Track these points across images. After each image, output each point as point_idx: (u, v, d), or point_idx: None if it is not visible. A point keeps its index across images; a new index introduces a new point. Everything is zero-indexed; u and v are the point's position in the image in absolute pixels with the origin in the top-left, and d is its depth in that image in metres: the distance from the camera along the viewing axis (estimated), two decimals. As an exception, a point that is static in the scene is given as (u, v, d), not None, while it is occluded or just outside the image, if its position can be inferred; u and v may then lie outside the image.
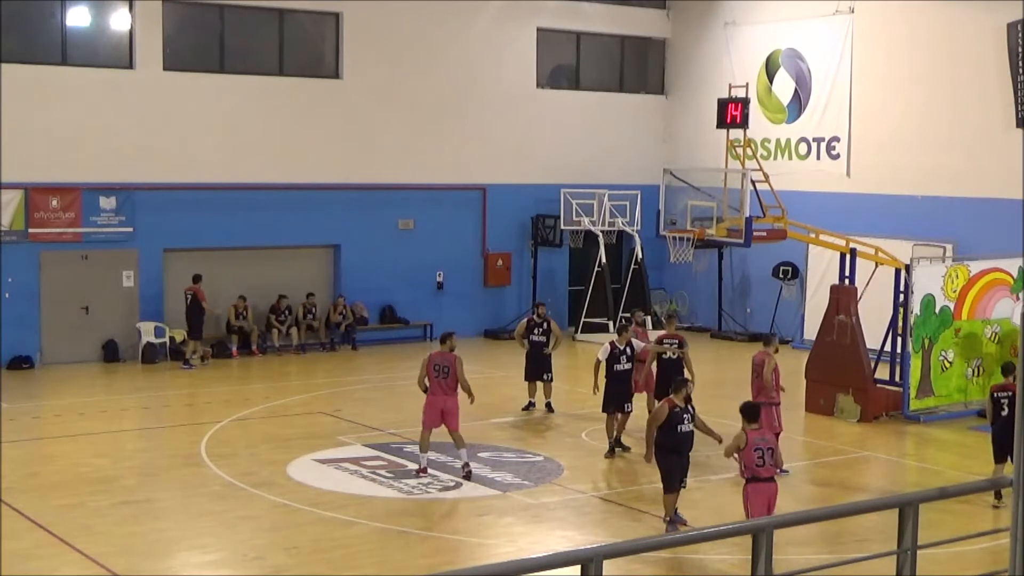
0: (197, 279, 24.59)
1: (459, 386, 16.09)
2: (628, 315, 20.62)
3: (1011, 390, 15.35)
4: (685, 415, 13.96)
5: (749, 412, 12.86)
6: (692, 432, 14.09)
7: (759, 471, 12.42)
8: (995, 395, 15.70)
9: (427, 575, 11.89)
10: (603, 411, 17.66)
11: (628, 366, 17.60)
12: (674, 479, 14.06)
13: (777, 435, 16.48)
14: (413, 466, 16.73)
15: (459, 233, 28.67)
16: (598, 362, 17.71)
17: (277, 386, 22.61)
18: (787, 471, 16.65)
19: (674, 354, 18.21)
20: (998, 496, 15.24)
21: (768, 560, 7.18)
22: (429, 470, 16.44)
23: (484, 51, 28.75)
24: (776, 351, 17.29)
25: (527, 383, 20.49)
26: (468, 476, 16.02)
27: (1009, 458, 15.02)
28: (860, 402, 20.24)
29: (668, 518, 14.04)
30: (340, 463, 16.95)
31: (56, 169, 23.93)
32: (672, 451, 13.95)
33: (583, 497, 15.49)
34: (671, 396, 14.14)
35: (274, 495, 15.30)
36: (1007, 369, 16.44)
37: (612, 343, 17.70)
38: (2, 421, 18.71)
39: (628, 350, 17.62)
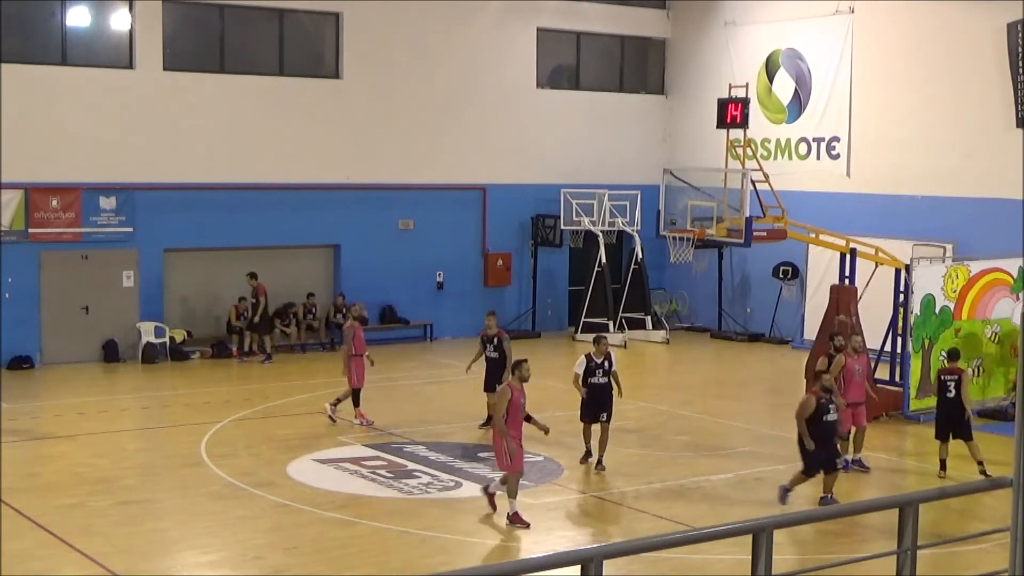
0: (254, 276, 25.33)
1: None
2: (602, 334, 18.46)
3: (957, 374, 16.88)
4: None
5: None
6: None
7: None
8: (942, 378, 16.89)
9: (427, 575, 11.89)
10: (580, 419, 17.22)
11: (604, 380, 16.99)
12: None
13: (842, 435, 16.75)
14: (413, 466, 16.75)
15: (459, 233, 28.67)
16: (576, 376, 17.04)
17: (277, 386, 22.60)
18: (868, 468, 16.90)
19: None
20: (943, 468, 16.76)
21: (768, 560, 7.18)
22: (429, 470, 16.47)
23: (484, 51, 28.76)
24: (856, 351, 17.13)
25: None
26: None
27: (951, 437, 16.66)
28: (860, 402, 20.20)
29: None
30: (340, 463, 16.95)
31: (56, 169, 23.93)
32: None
33: (583, 497, 15.49)
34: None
35: (274, 495, 15.30)
36: (953, 355, 17.36)
37: (588, 355, 17.09)
38: (2, 421, 18.71)
39: (605, 363, 16.97)
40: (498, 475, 14.91)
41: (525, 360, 14.62)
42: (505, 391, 14.26)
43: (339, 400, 19.36)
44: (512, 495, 14.14)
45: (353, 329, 19.58)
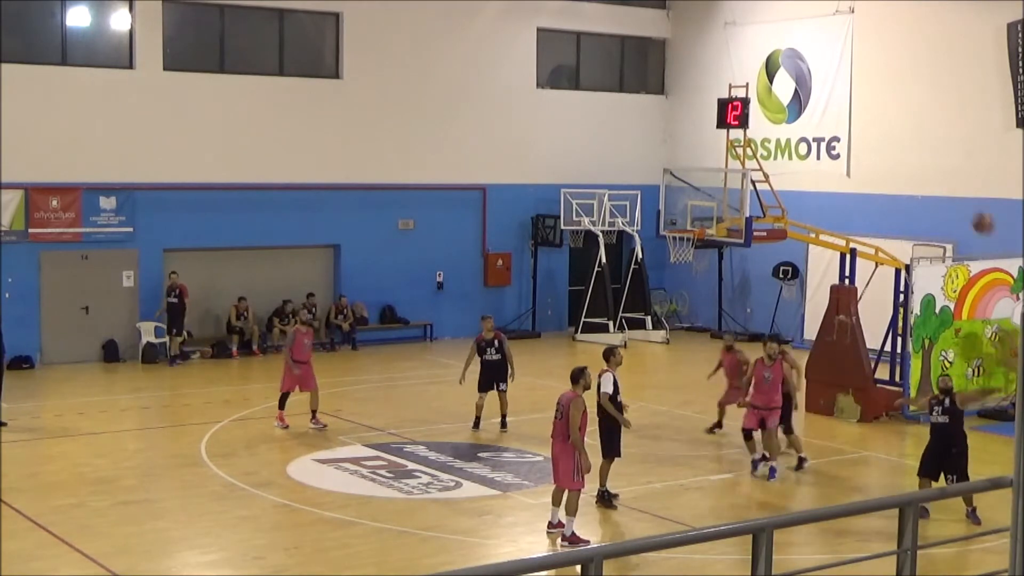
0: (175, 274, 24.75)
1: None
2: (615, 344, 16.47)
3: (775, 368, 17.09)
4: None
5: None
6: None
7: None
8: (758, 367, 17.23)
9: (427, 575, 11.89)
10: (603, 456, 15.12)
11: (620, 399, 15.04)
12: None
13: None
14: (413, 466, 16.75)
15: (459, 233, 28.67)
16: (606, 395, 14.75)
17: (277, 386, 22.53)
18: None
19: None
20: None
21: (768, 560, 7.18)
22: (429, 470, 16.47)
23: (484, 51, 28.76)
24: (770, 358, 16.84)
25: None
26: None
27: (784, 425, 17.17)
28: (860, 402, 20.23)
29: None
30: (340, 463, 16.95)
31: (56, 169, 23.93)
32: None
33: (583, 497, 15.44)
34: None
35: (274, 495, 15.31)
36: (771, 340, 17.92)
37: (611, 373, 14.93)
38: (1, 421, 18.72)
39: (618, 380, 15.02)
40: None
41: (586, 368, 14.09)
42: (579, 403, 13.50)
43: (314, 411, 19.22)
44: (573, 513, 13.55)
45: (297, 334, 19.31)
